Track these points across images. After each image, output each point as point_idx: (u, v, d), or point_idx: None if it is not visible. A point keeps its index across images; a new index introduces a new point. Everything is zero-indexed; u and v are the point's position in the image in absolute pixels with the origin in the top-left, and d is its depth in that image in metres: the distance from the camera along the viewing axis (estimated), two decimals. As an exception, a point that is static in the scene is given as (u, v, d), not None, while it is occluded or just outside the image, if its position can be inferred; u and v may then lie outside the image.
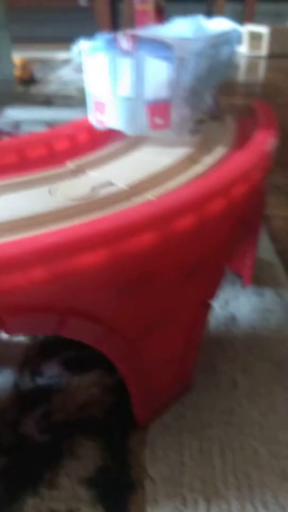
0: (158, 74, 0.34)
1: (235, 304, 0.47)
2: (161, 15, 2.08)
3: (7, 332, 0.21)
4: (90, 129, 0.38)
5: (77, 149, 0.36)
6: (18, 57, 1.51)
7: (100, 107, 0.36)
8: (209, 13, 2.82)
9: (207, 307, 0.32)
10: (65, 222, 0.25)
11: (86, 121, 0.38)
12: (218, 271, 0.31)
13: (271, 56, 2.22)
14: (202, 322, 0.33)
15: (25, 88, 1.51)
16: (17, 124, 1.08)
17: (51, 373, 0.39)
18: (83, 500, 0.29)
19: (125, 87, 0.34)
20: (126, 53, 0.33)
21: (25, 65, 1.55)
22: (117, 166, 0.33)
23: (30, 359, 0.40)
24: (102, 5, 2.79)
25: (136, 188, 0.30)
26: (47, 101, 1.36)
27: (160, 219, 0.23)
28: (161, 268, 0.26)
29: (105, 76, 0.34)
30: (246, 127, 0.44)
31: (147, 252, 0.24)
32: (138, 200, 0.28)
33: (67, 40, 2.43)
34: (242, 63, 2.08)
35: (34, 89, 1.51)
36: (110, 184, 0.30)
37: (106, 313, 0.25)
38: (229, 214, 0.29)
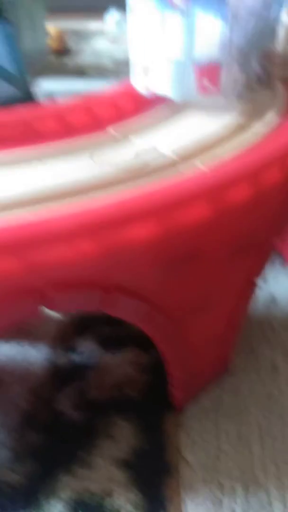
0: (210, 32, 0.31)
1: (275, 284, 0.44)
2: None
3: (50, 307, 0.20)
4: (132, 94, 0.36)
5: (119, 114, 0.34)
6: (52, 27, 1.47)
7: (145, 70, 0.34)
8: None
9: (252, 285, 0.30)
10: (109, 190, 0.23)
11: (129, 85, 0.36)
12: (267, 246, 0.29)
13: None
14: (246, 302, 0.31)
15: (58, 59, 1.48)
16: (50, 95, 1.06)
17: (86, 349, 0.38)
18: (118, 481, 0.28)
19: (174, 48, 0.31)
20: (176, 7, 0.30)
21: (59, 35, 1.51)
22: (161, 132, 0.31)
23: (64, 335, 0.39)
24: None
25: (183, 155, 0.27)
26: (81, 71, 1.33)
27: (215, 189, 0.21)
28: (211, 243, 0.24)
29: (152, 35, 0.32)
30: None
31: (198, 226, 0.22)
32: (185, 167, 0.26)
33: (99, 10, 2.36)
34: (280, 31, 1.97)
35: (67, 60, 1.48)
36: (155, 150, 0.27)
37: (152, 291, 0.23)
38: (284, 186, 0.27)
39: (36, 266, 0.19)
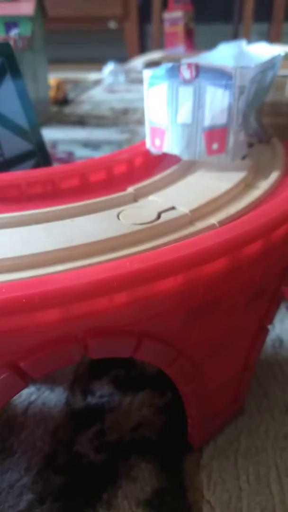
0: (217, 101, 0.35)
1: (281, 328, 0.46)
2: (191, 37, 2.12)
3: (89, 355, 0.22)
4: (147, 155, 0.39)
5: (136, 175, 0.37)
6: (52, 78, 1.56)
7: (158, 133, 0.37)
8: (236, 34, 2.86)
9: (265, 331, 0.32)
10: (137, 247, 0.26)
11: (142, 145, 0.40)
12: (277, 295, 0.31)
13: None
14: (259, 346, 0.33)
15: (59, 108, 1.56)
16: (54, 144, 1.12)
17: (102, 392, 0.39)
18: (143, 522, 0.29)
19: (185, 115, 0.35)
20: (187, 82, 0.34)
21: (59, 85, 1.60)
22: (176, 190, 0.34)
23: (82, 379, 0.41)
24: (131, 27, 2.86)
25: (198, 213, 0.30)
26: (81, 121, 1.39)
27: (234, 246, 0.24)
28: (228, 292, 0.26)
29: (164, 104, 0.36)
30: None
31: (218, 277, 0.25)
32: (201, 225, 0.29)
33: (97, 61, 2.50)
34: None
35: (67, 109, 1.56)
36: (174, 209, 0.30)
37: (177, 336, 0.25)
38: (290, 240, 0.30)
39: (77, 317, 0.21)
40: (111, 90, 1.93)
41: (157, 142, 0.38)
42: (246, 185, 0.36)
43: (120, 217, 0.29)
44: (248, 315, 0.30)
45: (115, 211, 0.31)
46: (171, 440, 0.34)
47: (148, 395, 0.39)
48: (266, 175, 0.37)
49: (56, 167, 0.36)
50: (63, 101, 1.62)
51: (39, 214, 0.30)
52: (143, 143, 0.39)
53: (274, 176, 0.37)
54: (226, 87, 0.34)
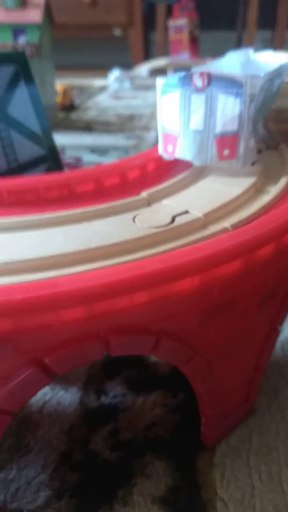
0: (228, 109, 0.36)
1: (290, 330, 0.47)
2: (195, 44, 2.14)
3: (111, 352, 0.23)
4: (157, 159, 0.40)
5: (149, 179, 0.38)
6: (59, 84, 1.58)
7: (171, 139, 0.38)
8: (239, 41, 2.88)
9: (276, 332, 0.33)
10: (153, 250, 0.27)
11: (154, 151, 0.41)
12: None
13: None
14: (270, 347, 0.34)
15: (65, 114, 1.57)
16: (62, 149, 1.13)
17: (115, 392, 0.40)
18: (159, 518, 0.30)
19: (197, 122, 0.36)
20: (199, 90, 0.35)
21: (66, 92, 1.62)
22: (188, 195, 0.35)
23: (95, 379, 0.42)
24: (136, 35, 2.90)
25: (211, 217, 0.31)
26: (87, 127, 1.41)
27: (247, 248, 0.25)
28: (242, 293, 0.27)
29: (177, 111, 0.37)
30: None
31: (232, 279, 0.25)
32: (214, 229, 0.30)
33: (103, 68, 2.53)
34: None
35: (74, 115, 1.57)
36: (188, 213, 0.31)
37: (192, 335, 0.26)
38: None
39: (99, 315, 0.22)
40: (116, 96, 1.95)
41: (170, 148, 0.39)
42: (256, 190, 0.37)
43: (135, 220, 0.30)
44: (261, 316, 0.30)
45: (130, 214, 0.32)
46: (184, 439, 0.35)
47: (160, 395, 0.39)
48: (275, 180, 0.38)
49: (72, 172, 0.37)
50: (70, 107, 1.64)
51: (58, 217, 0.31)
52: (156, 149, 0.41)
53: (283, 181, 0.38)
54: (237, 95, 0.35)
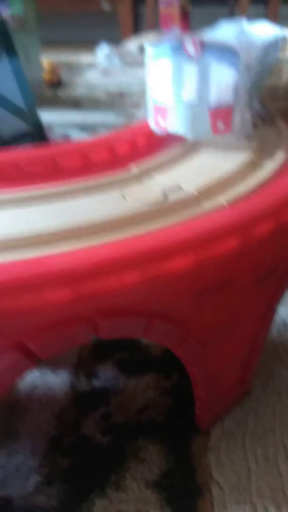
0: (223, 79, 0.34)
1: (286, 311, 0.46)
2: (186, 19, 2.08)
3: (100, 335, 0.21)
4: (148, 133, 0.38)
5: (138, 152, 0.36)
6: (45, 60, 1.53)
7: (162, 112, 0.36)
8: (232, 16, 2.81)
9: (272, 312, 0.32)
10: (142, 226, 0.25)
11: (144, 125, 0.39)
12: (286, 277, 0.31)
13: (296, 58, 2.20)
14: (267, 327, 0.32)
15: (53, 91, 1.53)
16: (49, 127, 1.10)
17: (107, 375, 0.39)
18: (152, 503, 0.29)
19: (189, 93, 0.34)
20: (192, 58, 0.33)
21: (53, 68, 1.56)
22: (181, 170, 0.33)
23: (85, 362, 0.40)
24: (125, 9, 2.80)
25: (205, 193, 0.30)
26: (76, 104, 1.37)
27: (244, 225, 0.23)
28: (238, 272, 0.26)
29: (169, 81, 0.35)
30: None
31: (228, 257, 0.24)
32: (209, 205, 0.28)
33: (91, 43, 2.45)
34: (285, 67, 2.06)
35: (62, 92, 1.53)
36: (180, 188, 0.30)
37: (186, 316, 0.25)
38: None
39: (87, 296, 0.21)
40: (105, 73, 1.89)
41: (161, 121, 0.37)
42: (252, 166, 0.35)
43: (125, 196, 0.29)
44: (257, 295, 0.29)
45: (119, 190, 0.30)
46: (178, 422, 0.34)
47: (153, 377, 0.38)
48: (271, 156, 0.37)
49: (57, 146, 0.35)
50: (57, 84, 1.59)
51: (41, 193, 0.29)
52: (146, 123, 0.38)
53: (280, 156, 0.36)
54: (232, 64, 0.33)
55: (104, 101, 1.41)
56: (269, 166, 0.35)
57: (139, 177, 0.32)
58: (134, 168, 0.33)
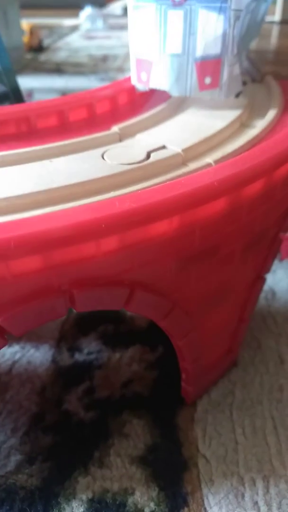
0: (210, 27, 0.31)
1: (274, 278, 0.45)
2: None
3: (76, 308, 0.20)
4: (130, 91, 0.35)
5: (121, 112, 0.34)
6: (26, 23, 1.45)
7: (145, 65, 0.33)
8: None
9: (261, 280, 0.30)
10: (125, 189, 0.23)
11: (127, 81, 0.36)
12: (276, 243, 0.29)
13: (285, 21, 2.13)
14: (255, 296, 0.31)
15: (34, 56, 1.46)
16: (30, 92, 1.05)
17: (90, 348, 0.37)
18: (137, 479, 0.28)
19: (174, 44, 0.31)
20: (177, 4, 0.30)
21: (34, 31, 1.49)
22: (166, 129, 0.31)
23: (67, 334, 0.39)
24: None
25: (192, 152, 0.27)
26: (58, 68, 1.31)
27: (233, 184, 0.21)
28: (226, 238, 0.24)
29: (152, 30, 0.32)
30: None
31: (216, 221, 0.22)
32: (196, 165, 0.26)
33: (73, 6, 2.34)
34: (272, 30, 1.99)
35: (43, 57, 1.46)
36: (165, 149, 0.27)
37: (171, 286, 0.23)
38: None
39: (60, 265, 0.19)
40: (89, 36, 1.81)
41: (144, 76, 0.34)
42: (241, 124, 0.33)
43: (104, 157, 0.26)
44: (246, 263, 0.27)
45: (98, 151, 0.27)
46: (163, 395, 0.33)
47: (138, 350, 0.37)
48: (262, 114, 0.34)
49: (31, 103, 0.32)
50: (38, 48, 1.52)
51: (13, 155, 0.27)
52: (128, 79, 0.36)
53: (271, 114, 0.34)
54: (220, 10, 0.30)
55: (87, 65, 1.35)
56: (259, 125, 0.32)
57: (121, 137, 0.30)
58: (115, 128, 0.30)
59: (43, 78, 1.20)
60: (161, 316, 0.24)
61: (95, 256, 0.19)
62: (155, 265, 0.22)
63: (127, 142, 0.29)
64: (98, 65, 1.35)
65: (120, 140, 0.30)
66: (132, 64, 0.35)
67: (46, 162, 0.26)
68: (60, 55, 1.49)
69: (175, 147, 0.27)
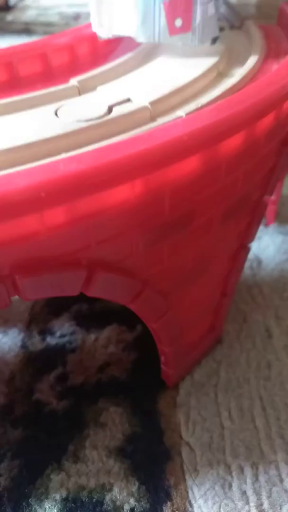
0: None
1: (259, 245, 0.42)
2: None
3: (22, 296, 0.16)
4: (94, 40, 0.31)
5: (81, 63, 0.29)
6: (-12, -21, 1.34)
7: (106, 7, 0.29)
8: None
9: (245, 250, 0.27)
10: (80, 149, 0.19)
11: (87, 28, 0.31)
12: (260, 208, 0.26)
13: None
14: (239, 268, 0.28)
15: (0, 15, 1.36)
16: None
17: (63, 331, 0.34)
18: (116, 473, 0.25)
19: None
20: None
21: (-2, -12, 1.38)
22: (134, 82, 0.27)
23: (38, 316, 0.36)
24: None
25: (161, 105, 0.24)
26: (26, 29, 1.22)
27: (207, 139, 0.18)
28: (202, 204, 0.21)
29: None
30: (272, 35, 0.37)
31: (188, 185, 0.19)
32: (166, 119, 0.22)
33: None
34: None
35: (9, 16, 1.36)
36: (130, 102, 0.24)
37: (140, 263, 0.20)
38: (276, 135, 0.24)
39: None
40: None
41: (105, 20, 0.30)
42: (218, 73, 0.29)
43: (58, 113, 0.22)
44: (226, 232, 0.24)
45: (52, 107, 0.23)
46: (143, 379, 0.31)
47: (115, 330, 0.34)
48: (241, 62, 0.30)
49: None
50: (4, 7, 1.42)
51: None
52: (88, 25, 0.31)
53: (251, 61, 0.30)
54: None
55: (58, 25, 1.26)
56: (238, 73, 0.28)
57: (80, 91, 0.26)
58: (73, 81, 0.26)
59: (10, 39, 1.12)
60: (129, 299, 0.20)
61: (39, 232, 0.15)
62: (118, 240, 0.18)
63: (86, 97, 0.25)
64: (70, 24, 1.26)
65: (81, 94, 0.25)
66: (92, 6, 0.30)
67: (-11, 122, 0.22)
68: (29, 14, 1.39)
69: (141, 100, 0.24)
